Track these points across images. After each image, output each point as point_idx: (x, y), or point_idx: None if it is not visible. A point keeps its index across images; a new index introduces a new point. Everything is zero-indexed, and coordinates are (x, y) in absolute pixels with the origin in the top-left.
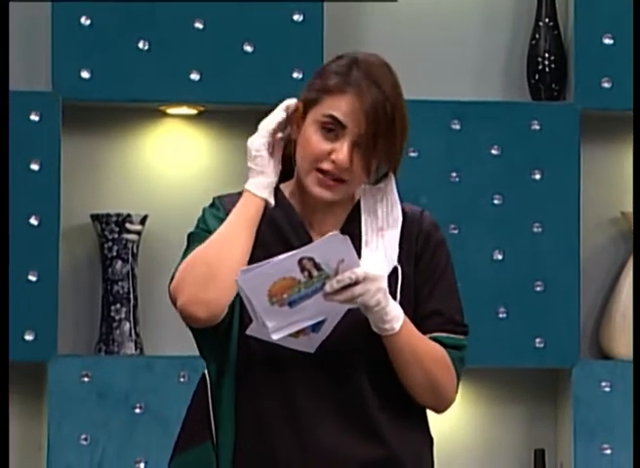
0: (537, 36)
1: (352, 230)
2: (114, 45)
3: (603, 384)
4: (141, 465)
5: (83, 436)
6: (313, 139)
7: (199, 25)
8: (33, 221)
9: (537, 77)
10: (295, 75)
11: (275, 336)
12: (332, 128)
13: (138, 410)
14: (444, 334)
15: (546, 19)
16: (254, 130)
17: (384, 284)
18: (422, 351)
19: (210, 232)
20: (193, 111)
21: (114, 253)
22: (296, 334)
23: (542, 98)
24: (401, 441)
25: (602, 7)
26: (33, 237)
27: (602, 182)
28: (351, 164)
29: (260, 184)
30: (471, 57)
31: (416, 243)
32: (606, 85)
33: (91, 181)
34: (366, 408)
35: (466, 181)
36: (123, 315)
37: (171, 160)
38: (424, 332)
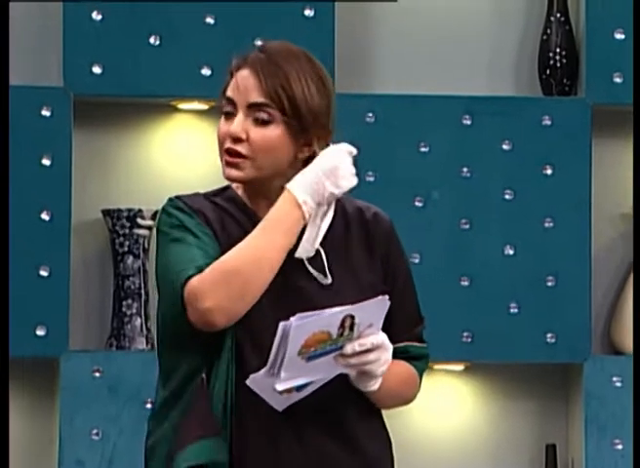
0: (548, 31)
1: None
2: (125, 40)
3: (614, 379)
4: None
5: (94, 431)
6: (218, 127)
7: (210, 20)
8: (45, 216)
9: (548, 72)
10: None
11: (279, 387)
12: (229, 110)
13: (149, 405)
14: (412, 344)
15: (558, 15)
16: None
17: (390, 356)
18: (394, 386)
19: (193, 234)
20: (204, 106)
21: (125, 249)
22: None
23: (554, 94)
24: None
25: (613, 2)
26: (44, 232)
27: (613, 177)
28: (248, 136)
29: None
30: (483, 52)
31: (379, 244)
32: (617, 80)
33: (102, 177)
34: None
35: (477, 176)
36: (134, 310)
37: (182, 155)
38: (396, 340)
